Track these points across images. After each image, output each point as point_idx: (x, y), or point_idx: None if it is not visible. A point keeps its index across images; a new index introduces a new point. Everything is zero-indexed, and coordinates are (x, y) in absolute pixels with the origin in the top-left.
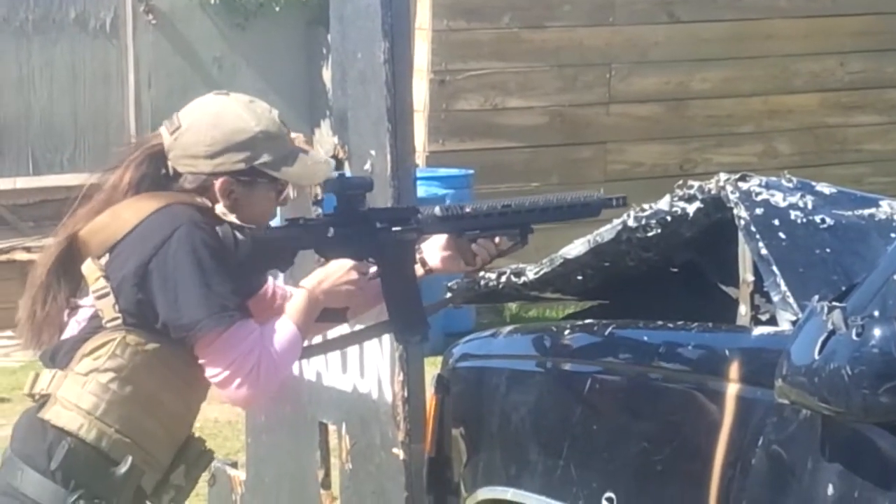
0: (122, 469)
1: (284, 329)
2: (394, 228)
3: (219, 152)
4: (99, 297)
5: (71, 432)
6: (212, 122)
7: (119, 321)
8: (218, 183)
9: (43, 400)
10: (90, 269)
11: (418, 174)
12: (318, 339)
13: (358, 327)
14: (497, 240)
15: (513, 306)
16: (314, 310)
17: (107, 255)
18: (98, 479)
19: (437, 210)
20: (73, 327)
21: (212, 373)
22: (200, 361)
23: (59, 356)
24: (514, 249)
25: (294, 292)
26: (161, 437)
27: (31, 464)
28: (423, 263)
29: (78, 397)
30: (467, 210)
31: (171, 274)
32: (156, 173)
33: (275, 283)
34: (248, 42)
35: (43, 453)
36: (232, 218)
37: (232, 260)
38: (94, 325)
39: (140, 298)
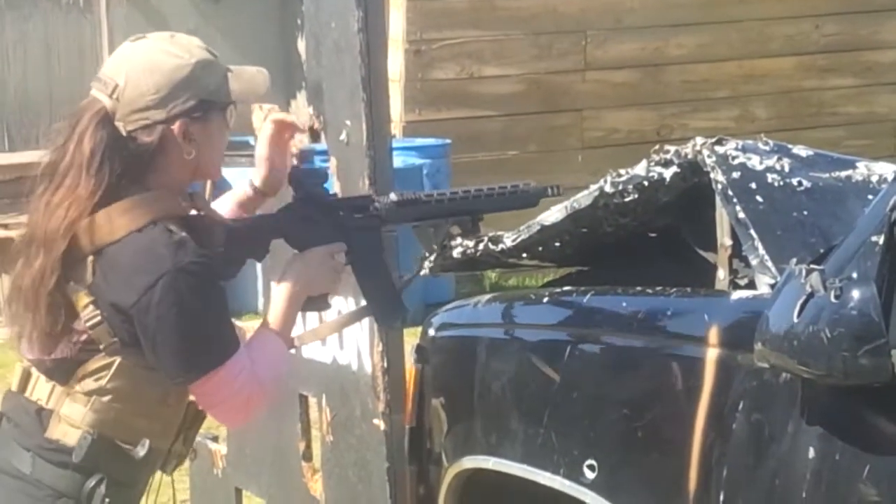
0: (142, 452)
1: (272, 348)
2: (356, 216)
3: (167, 96)
4: (92, 327)
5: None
6: (148, 68)
7: (117, 345)
8: (176, 128)
9: (43, 413)
10: (77, 294)
11: (395, 144)
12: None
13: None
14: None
15: (492, 275)
16: (296, 307)
17: (91, 276)
18: (119, 463)
19: (392, 196)
20: (65, 346)
21: (204, 407)
22: (191, 397)
23: (56, 373)
24: (471, 231)
25: (273, 291)
26: (166, 431)
27: (45, 457)
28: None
29: (82, 417)
30: (422, 196)
31: (150, 326)
32: (111, 135)
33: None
34: (221, 14)
35: (59, 450)
36: (193, 162)
37: (216, 256)
38: (91, 349)
39: (131, 331)
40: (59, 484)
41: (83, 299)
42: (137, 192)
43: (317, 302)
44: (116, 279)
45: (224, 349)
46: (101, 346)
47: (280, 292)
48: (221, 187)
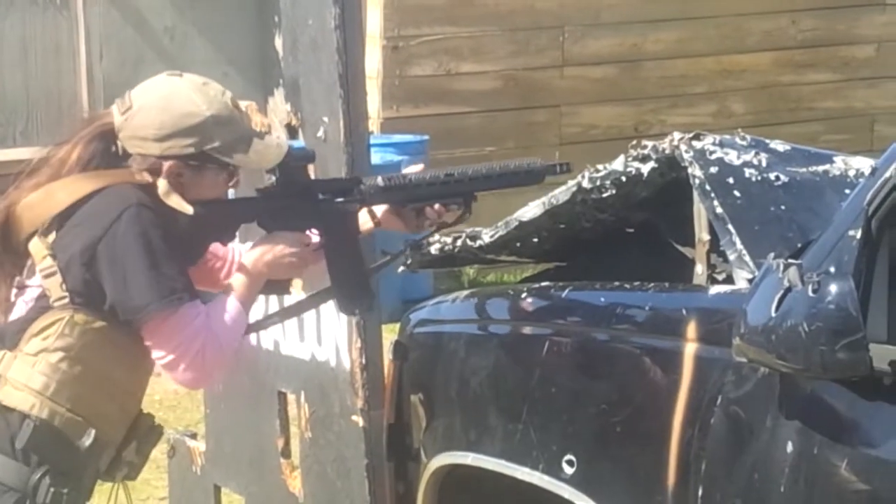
0: (87, 442)
1: (229, 308)
2: (336, 199)
3: (168, 136)
4: (46, 276)
5: (23, 412)
6: (162, 104)
7: (66, 300)
8: (166, 166)
9: None
10: (37, 247)
11: (373, 141)
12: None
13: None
14: (437, 207)
15: (471, 271)
16: (257, 284)
17: (54, 232)
18: (63, 454)
19: (379, 180)
20: (20, 308)
21: (158, 355)
22: (147, 344)
23: (7, 337)
24: (460, 220)
25: (237, 265)
26: (113, 414)
27: None
28: (372, 216)
29: (28, 378)
30: (410, 179)
31: (119, 256)
32: (105, 151)
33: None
34: (198, 11)
35: (3, 436)
36: (178, 199)
37: (176, 235)
38: (42, 305)
39: (88, 279)
40: (5, 476)
41: (41, 252)
42: None
43: (277, 286)
44: (81, 225)
45: (182, 290)
46: (52, 300)
47: (243, 269)
48: None
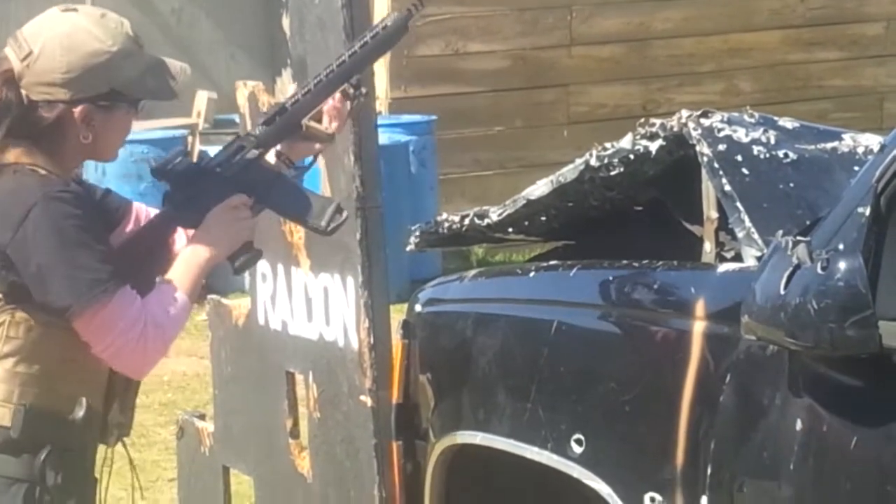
0: (80, 413)
1: (167, 292)
2: (234, 161)
3: (76, 79)
4: None
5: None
6: (66, 44)
7: (1, 302)
8: (77, 111)
9: None
10: None
11: (381, 121)
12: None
13: None
14: (332, 102)
15: (479, 251)
16: (198, 268)
17: None
18: (61, 431)
19: (260, 122)
20: None
21: (98, 348)
22: (84, 339)
23: None
24: (359, 103)
25: (179, 256)
26: (87, 389)
27: None
28: (285, 157)
29: None
30: (290, 102)
31: (32, 258)
32: (9, 99)
33: (143, 209)
34: None
35: None
36: (88, 146)
37: (91, 216)
38: None
39: (12, 280)
40: (8, 469)
41: None
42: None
43: (243, 256)
44: None
45: (107, 279)
46: None
47: (181, 256)
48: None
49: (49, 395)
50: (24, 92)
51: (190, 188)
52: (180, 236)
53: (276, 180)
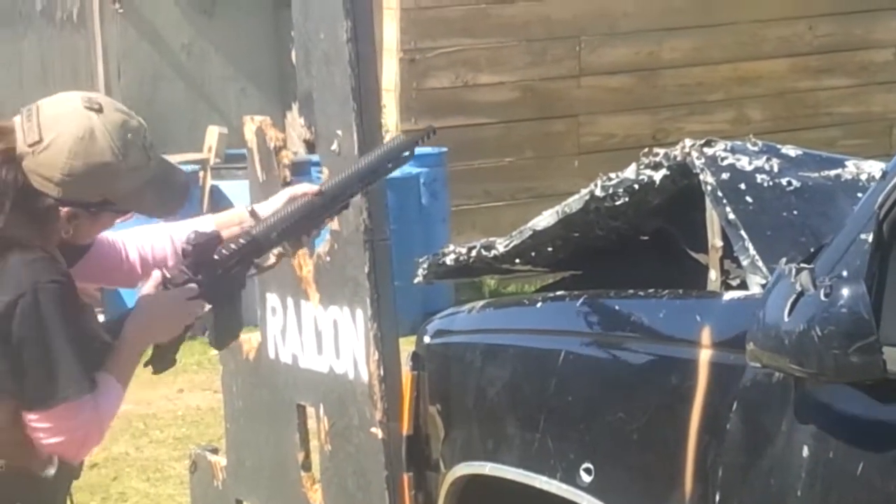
0: (52, 471)
1: (113, 392)
2: (232, 270)
3: (73, 182)
4: None
5: None
6: (75, 149)
7: None
8: (64, 210)
9: None
10: None
11: None
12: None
13: None
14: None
15: (491, 282)
16: (138, 354)
17: None
18: (32, 488)
19: (273, 234)
20: None
21: (43, 435)
22: (28, 425)
23: None
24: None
25: (118, 339)
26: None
27: None
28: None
29: None
30: (298, 215)
31: (12, 340)
32: (14, 182)
33: (125, 249)
34: (215, 28)
35: None
36: (66, 237)
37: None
38: None
39: None
40: None
41: None
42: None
43: (164, 355)
44: None
45: (84, 379)
46: None
47: (124, 347)
48: (219, 200)
49: (22, 454)
50: (24, 174)
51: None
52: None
53: (234, 296)
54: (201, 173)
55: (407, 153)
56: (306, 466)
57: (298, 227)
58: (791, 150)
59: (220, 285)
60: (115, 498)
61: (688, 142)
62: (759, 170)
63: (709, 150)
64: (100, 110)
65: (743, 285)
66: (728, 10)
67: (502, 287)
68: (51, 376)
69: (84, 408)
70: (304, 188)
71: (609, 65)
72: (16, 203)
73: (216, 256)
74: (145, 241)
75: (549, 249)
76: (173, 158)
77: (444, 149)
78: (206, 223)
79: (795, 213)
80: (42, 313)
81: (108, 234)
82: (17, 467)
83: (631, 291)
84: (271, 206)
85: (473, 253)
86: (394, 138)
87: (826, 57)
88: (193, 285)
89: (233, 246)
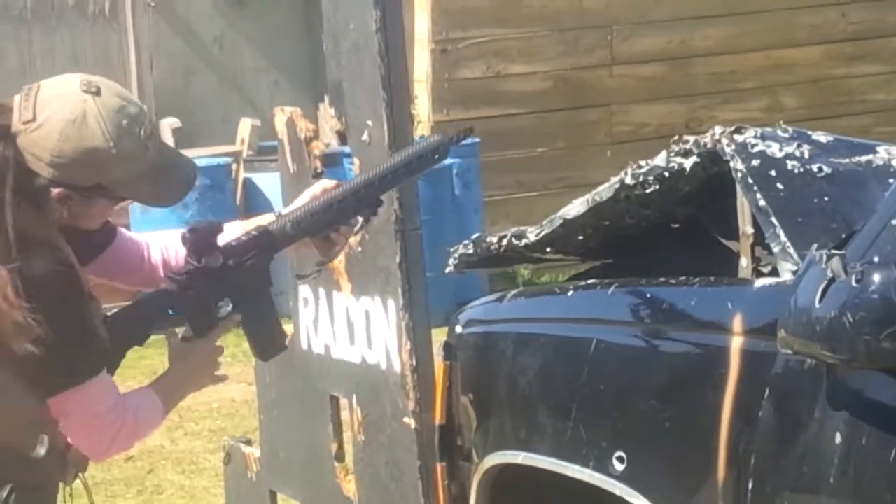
0: (42, 450)
1: (153, 401)
2: (247, 262)
3: (63, 164)
4: None
5: None
6: (67, 132)
7: None
8: (55, 191)
9: None
10: None
11: None
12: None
13: None
14: (343, 228)
15: (525, 272)
16: (180, 397)
17: None
18: (23, 468)
19: (288, 226)
20: None
21: (71, 425)
22: (56, 414)
23: None
24: (366, 224)
25: (165, 377)
26: (48, 430)
27: None
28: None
29: None
30: (316, 209)
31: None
32: (12, 157)
33: (149, 250)
34: (247, 19)
35: None
36: (62, 219)
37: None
38: None
39: None
40: None
41: None
42: None
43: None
44: None
45: (101, 359)
46: None
47: (170, 382)
48: (252, 192)
49: (11, 433)
50: (19, 150)
51: (199, 277)
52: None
53: (260, 295)
54: (234, 166)
55: (438, 155)
56: (339, 457)
57: (317, 221)
58: (822, 137)
59: (233, 278)
60: (151, 490)
61: (718, 129)
62: (789, 156)
63: (739, 137)
64: (97, 93)
65: (774, 272)
66: None
67: (536, 277)
68: (70, 355)
69: (110, 396)
70: (325, 185)
71: (641, 54)
72: (16, 181)
73: (223, 245)
74: (170, 243)
75: (580, 238)
76: (206, 151)
77: (477, 139)
78: (234, 228)
79: (826, 199)
80: (58, 294)
81: (133, 234)
82: (4, 446)
83: (662, 279)
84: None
85: (504, 242)
86: (427, 138)
87: (859, 44)
88: (221, 344)
89: (243, 237)
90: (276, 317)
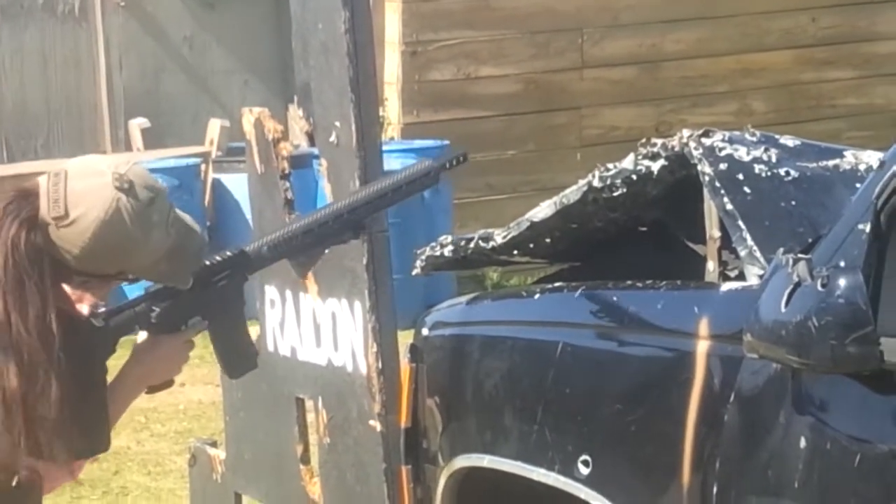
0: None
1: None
2: (220, 282)
3: (92, 259)
4: None
5: None
6: (97, 232)
7: None
8: (76, 279)
9: None
10: None
11: (394, 146)
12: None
13: None
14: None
15: (494, 275)
16: (134, 396)
17: None
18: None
19: (265, 249)
20: None
21: (50, 483)
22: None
23: None
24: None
25: (115, 382)
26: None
27: None
28: None
29: None
30: (295, 232)
31: None
32: (44, 245)
33: None
34: (217, 20)
35: None
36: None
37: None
38: None
39: None
40: None
41: None
42: None
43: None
44: None
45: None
46: None
47: (123, 380)
48: (221, 193)
49: None
50: (50, 240)
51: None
52: None
53: (231, 315)
54: (203, 166)
55: (428, 179)
56: (305, 459)
57: (295, 244)
58: (789, 141)
59: (203, 297)
60: (116, 492)
61: (686, 132)
62: (757, 160)
63: (707, 141)
64: (129, 190)
65: (741, 276)
66: (731, 2)
67: (504, 280)
68: (80, 433)
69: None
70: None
71: (612, 57)
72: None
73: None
74: None
75: (548, 241)
76: (175, 151)
77: (446, 142)
78: None
79: (793, 203)
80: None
81: None
82: None
83: (629, 283)
84: None
85: (471, 244)
86: (416, 163)
87: (830, 49)
88: (188, 333)
89: (217, 257)
90: (247, 336)
